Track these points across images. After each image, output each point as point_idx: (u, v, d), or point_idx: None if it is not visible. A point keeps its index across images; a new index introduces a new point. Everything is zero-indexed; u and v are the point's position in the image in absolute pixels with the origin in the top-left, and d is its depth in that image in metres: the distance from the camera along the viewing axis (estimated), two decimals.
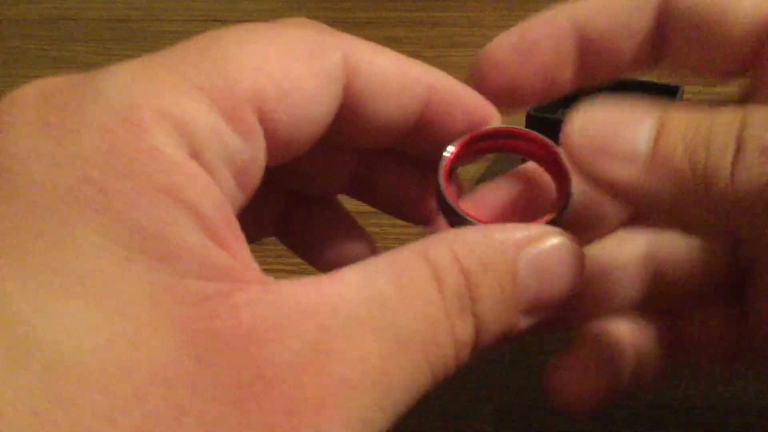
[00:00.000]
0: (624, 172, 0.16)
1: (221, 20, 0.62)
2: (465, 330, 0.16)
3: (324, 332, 0.14)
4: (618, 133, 0.16)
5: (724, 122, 0.15)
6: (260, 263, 0.15)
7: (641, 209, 0.17)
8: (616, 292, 0.21)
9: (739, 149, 0.15)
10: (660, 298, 0.22)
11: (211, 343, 0.13)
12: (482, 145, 0.20)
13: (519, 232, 0.17)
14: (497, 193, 0.21)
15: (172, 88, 0.14)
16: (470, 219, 0.19)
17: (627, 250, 0.22)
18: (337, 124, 0.18)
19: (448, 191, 0.19)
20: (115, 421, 0.12)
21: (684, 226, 0.17)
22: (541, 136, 0.20)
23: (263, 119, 0.16)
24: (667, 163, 0.15)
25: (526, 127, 0.20)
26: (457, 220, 0.19)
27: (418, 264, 0.15)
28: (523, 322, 0.17)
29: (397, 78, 0.19)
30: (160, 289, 0.13)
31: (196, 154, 0.14)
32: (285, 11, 0.61)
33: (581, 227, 0.20)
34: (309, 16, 0.19)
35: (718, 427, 0.26)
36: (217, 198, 0.14)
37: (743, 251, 0.21)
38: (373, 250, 0.23)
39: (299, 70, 0.16)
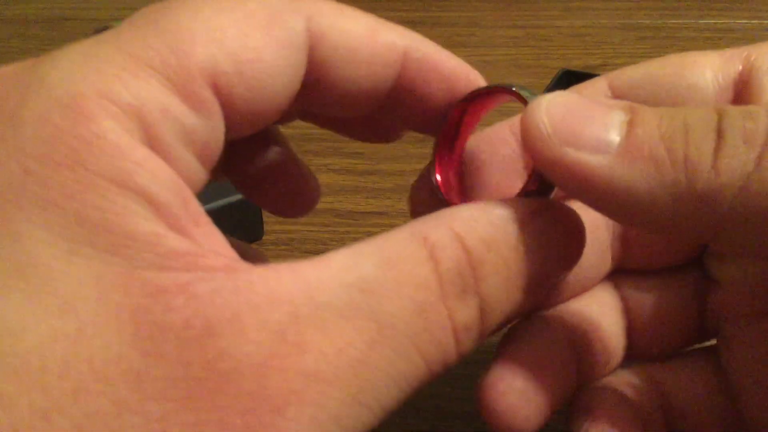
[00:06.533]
0: (593, 160, 0.15)
1: None
2: (466, 313, 0.14)
3: (294, 321, 0.13)
4: (587, 117, 0.15)
5: (699, 113, 0.15)
6: None
7: (610, 212, 0.16)
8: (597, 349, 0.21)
9: (720, 138, 0.14)
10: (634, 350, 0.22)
11: (162, 335, 0.12)
12: (481, 103, 0.19)
13: (519, 206, 0.16)
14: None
15: (120, 69, 0.14)
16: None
17: (603, 307, 0.21)
18: (304, 93, 0.17)
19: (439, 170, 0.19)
20: (52, 421, 0.11)
21: (659, 229, 0.16)
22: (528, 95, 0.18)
23: (220, 94, 0.15)
24: (643, 152, 0.14)
25: None
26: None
27: (412, 244, 0.14)
28: (528, 301, 0.16)
29: (367, 43, 0.17)
30: (108, 282, 0.12)
31: (150, 137, 0.14)
32: None
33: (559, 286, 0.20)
34: None
35: None
36: (172, 182, 0.14)
37: (712, 299, 0.21)
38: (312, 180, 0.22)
39: (257, 39, 0.15)
